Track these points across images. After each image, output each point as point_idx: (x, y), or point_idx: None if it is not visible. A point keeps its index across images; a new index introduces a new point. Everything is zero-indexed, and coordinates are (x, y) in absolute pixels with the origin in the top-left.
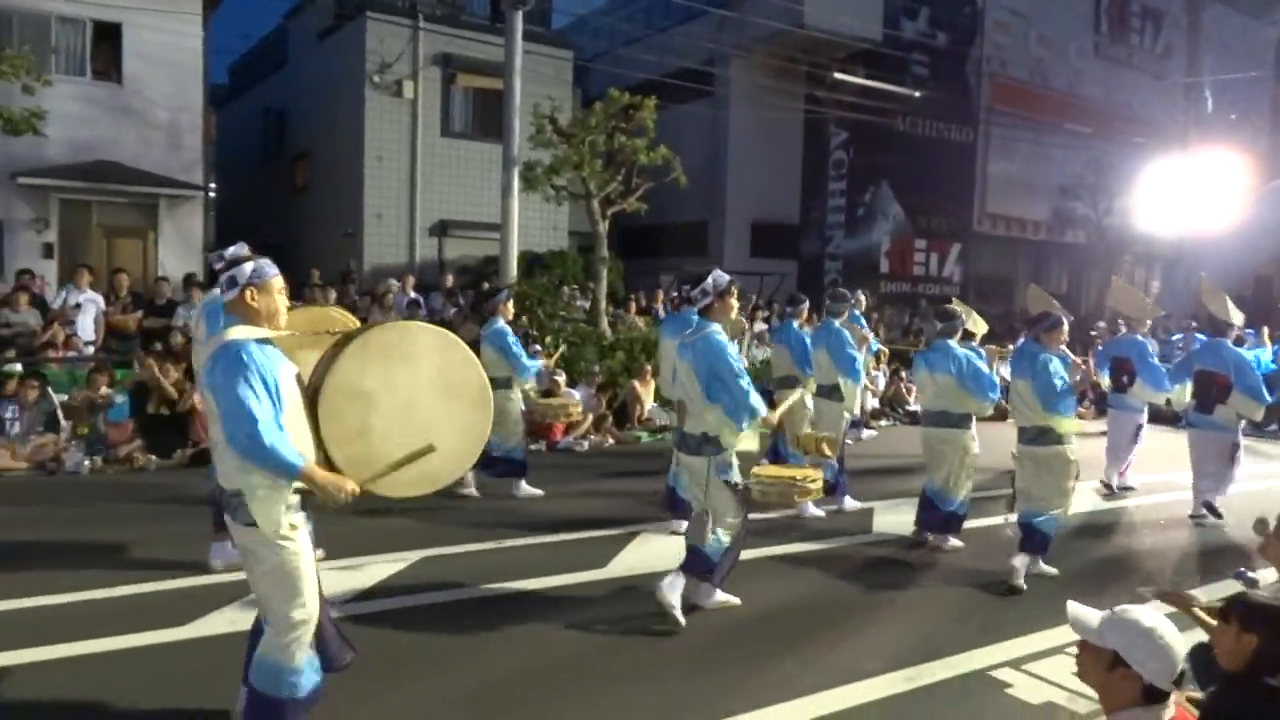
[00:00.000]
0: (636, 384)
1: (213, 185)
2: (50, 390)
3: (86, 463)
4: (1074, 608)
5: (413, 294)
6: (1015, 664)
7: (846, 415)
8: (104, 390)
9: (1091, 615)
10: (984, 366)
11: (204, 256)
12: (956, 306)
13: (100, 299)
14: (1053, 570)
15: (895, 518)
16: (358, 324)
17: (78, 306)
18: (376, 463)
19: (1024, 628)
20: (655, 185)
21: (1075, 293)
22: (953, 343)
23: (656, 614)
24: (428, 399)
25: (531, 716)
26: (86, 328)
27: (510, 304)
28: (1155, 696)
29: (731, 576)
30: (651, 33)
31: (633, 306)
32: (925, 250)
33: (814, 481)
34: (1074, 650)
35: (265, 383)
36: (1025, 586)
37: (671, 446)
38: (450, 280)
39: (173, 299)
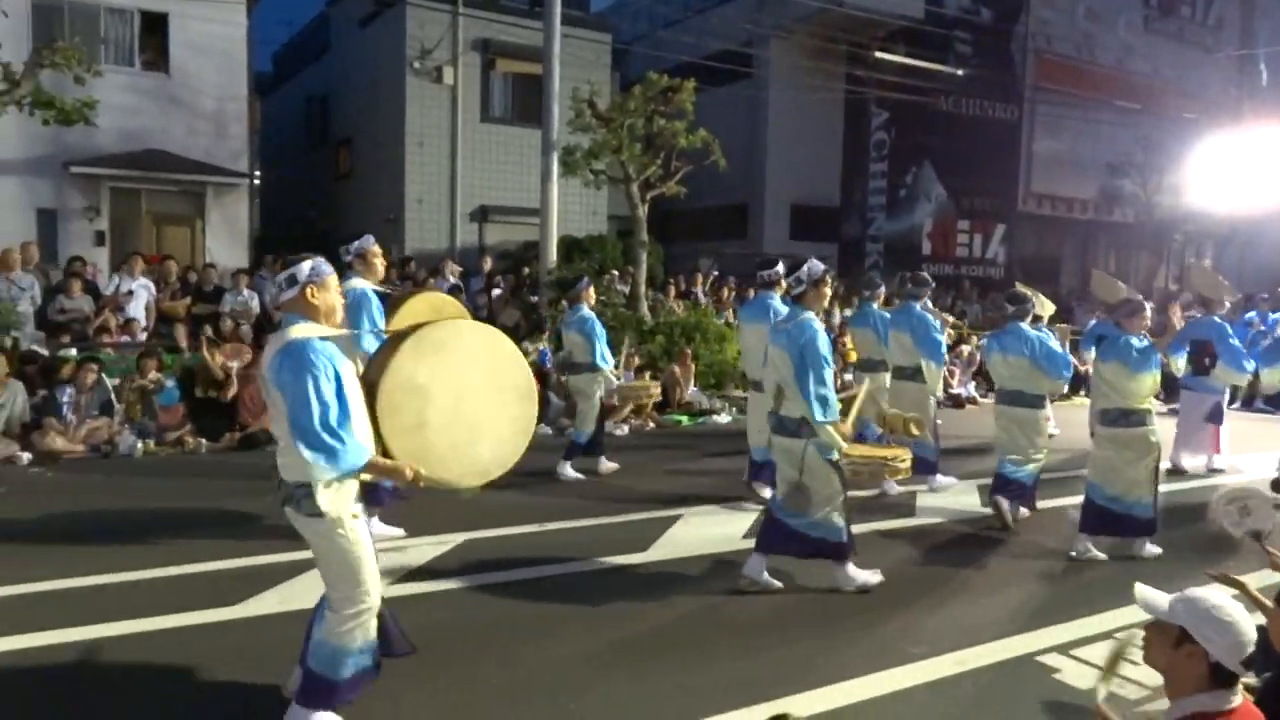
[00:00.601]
0: (676, 368)
1: (257, 172)
2: (104, 375)
3: (139, 445)
4: (1142, 588)
5: (453, 279)
6: (1063, 649)
7: (933, 397)
8: (153, 375)
9: (1160, 595)
10: (1057, 346)
11: (249, 242)
12: (1024, 290)
13: (151, 285)
14: (1155, 549)
15: (945, 499)
16: (466, 312)
17: (130, 293)
18: (430, 454)
19: (1072, 613)
20: (694, 168)
21: (1124, 273)
22: (1024, 325)
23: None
24: (478, 393)
25: (576, 698)
26: (138, 313)
27: (592, 290)
28: (1222, 679)
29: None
30: (690, 15)
31: (672, 290)
32: (968, 231)
33: (903, 461)
34: (1121, 636)
35: (330, 378)
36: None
37: (713, 427)
38: (489, 265)
39: (220, 285)
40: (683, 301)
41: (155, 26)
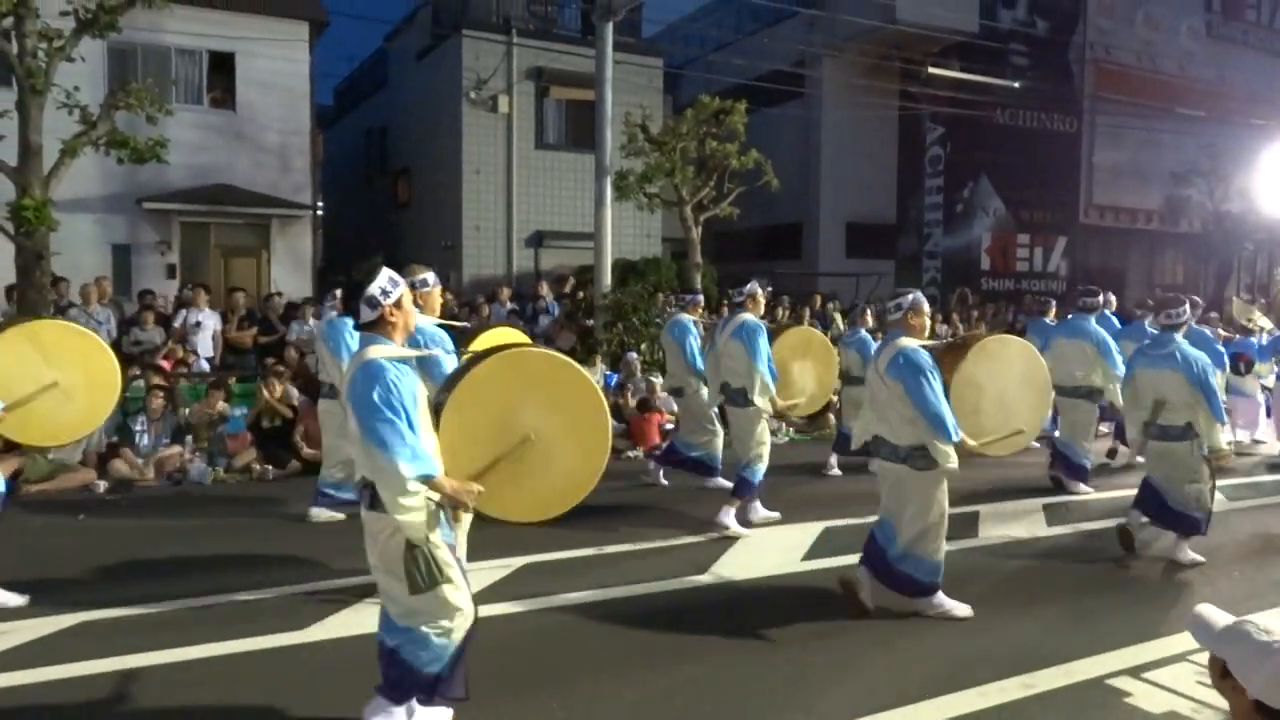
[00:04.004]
0: None
1: (320, 204)
2: (174, 403)
3: (209, 473)
4: (1200, 611)
5: (511, 305)
6: (1134, 672)
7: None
8: (220, 405)
9: (1217, 619)
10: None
11: (312, 272)
12: (1237, 305)
13: (218, 317)
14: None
15: (1008, 521)
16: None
17: (198, 324)
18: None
19: (1143, 634)
20: (747, 189)
21: (1191, 284)
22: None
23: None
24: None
25: None
26: (205, 345)
27: (869, 313)
28: (1270, 714)
29: (832, 575)
30: (741, 37)
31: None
32: (1029, 245)
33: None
34: (1195, 659)
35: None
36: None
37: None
38: (545, 289)
39: (285, 315)
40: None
41: (222, 65)
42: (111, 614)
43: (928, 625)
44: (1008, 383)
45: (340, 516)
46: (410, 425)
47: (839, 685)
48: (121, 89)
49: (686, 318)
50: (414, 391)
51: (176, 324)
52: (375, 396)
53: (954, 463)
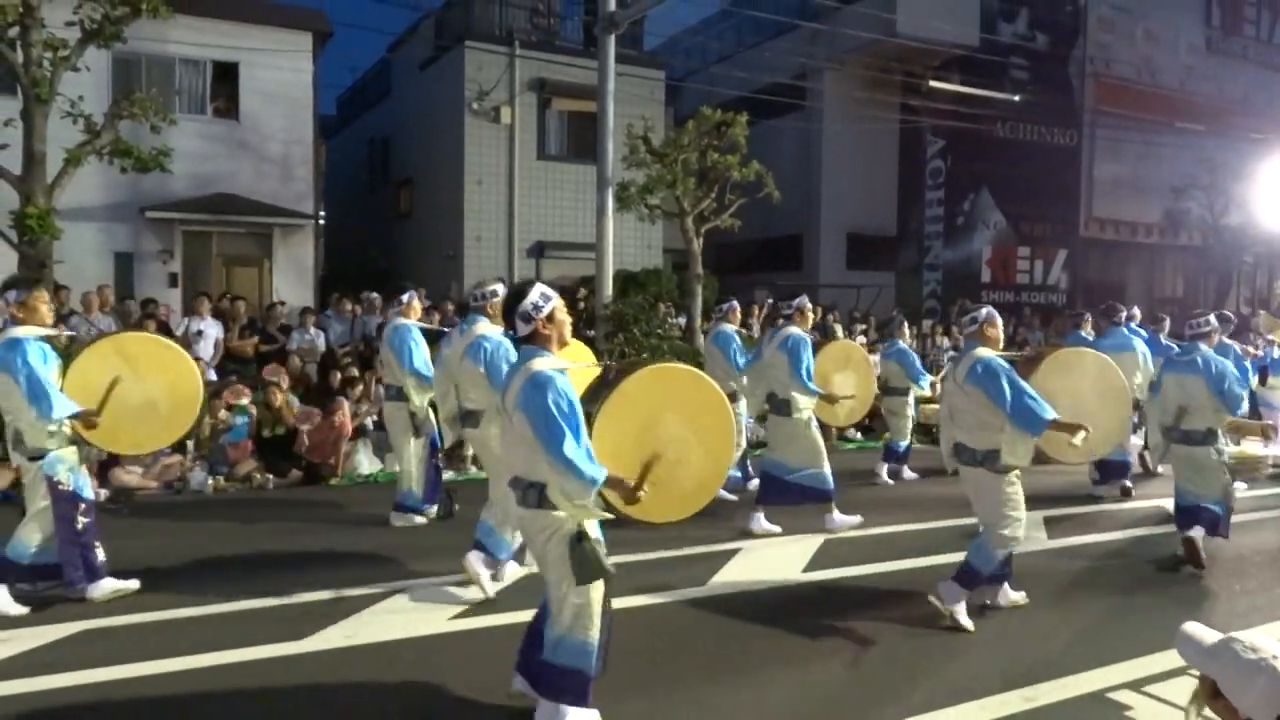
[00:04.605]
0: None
1: (322, 213)
2: None
3: (210, 481)
4: (1187, 630)
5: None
6: (1135, 685)
7: None
8: (222, 414)
9: (1204, 637)
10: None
11: (314, 281)
12: (1266, 319)
13: (219, 326)
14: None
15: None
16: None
17: (199, 333)
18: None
19: (1144, 647)
20: (748, 200)
21: (1192, 297)
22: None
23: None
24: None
25: None
26: (207, 353)
27: (907, 326)
28: None
29: (836, 592)
30: (742, 50)
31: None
32: (1029, 258)
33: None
34: (1197, 672)
35: (575, 405)
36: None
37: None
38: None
39: (287, 324)
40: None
41: (226, 75)
42: (106, 623)
43: (928, 638)
44: (1084, 394)
45: (421, 521)
46: (580, 432)
47: (837, 697)
48: (126, 98)
49: (729, 327)
50: (576, 400)
51: (179, 333)
52: (551, 404)
53: (1026, 459)
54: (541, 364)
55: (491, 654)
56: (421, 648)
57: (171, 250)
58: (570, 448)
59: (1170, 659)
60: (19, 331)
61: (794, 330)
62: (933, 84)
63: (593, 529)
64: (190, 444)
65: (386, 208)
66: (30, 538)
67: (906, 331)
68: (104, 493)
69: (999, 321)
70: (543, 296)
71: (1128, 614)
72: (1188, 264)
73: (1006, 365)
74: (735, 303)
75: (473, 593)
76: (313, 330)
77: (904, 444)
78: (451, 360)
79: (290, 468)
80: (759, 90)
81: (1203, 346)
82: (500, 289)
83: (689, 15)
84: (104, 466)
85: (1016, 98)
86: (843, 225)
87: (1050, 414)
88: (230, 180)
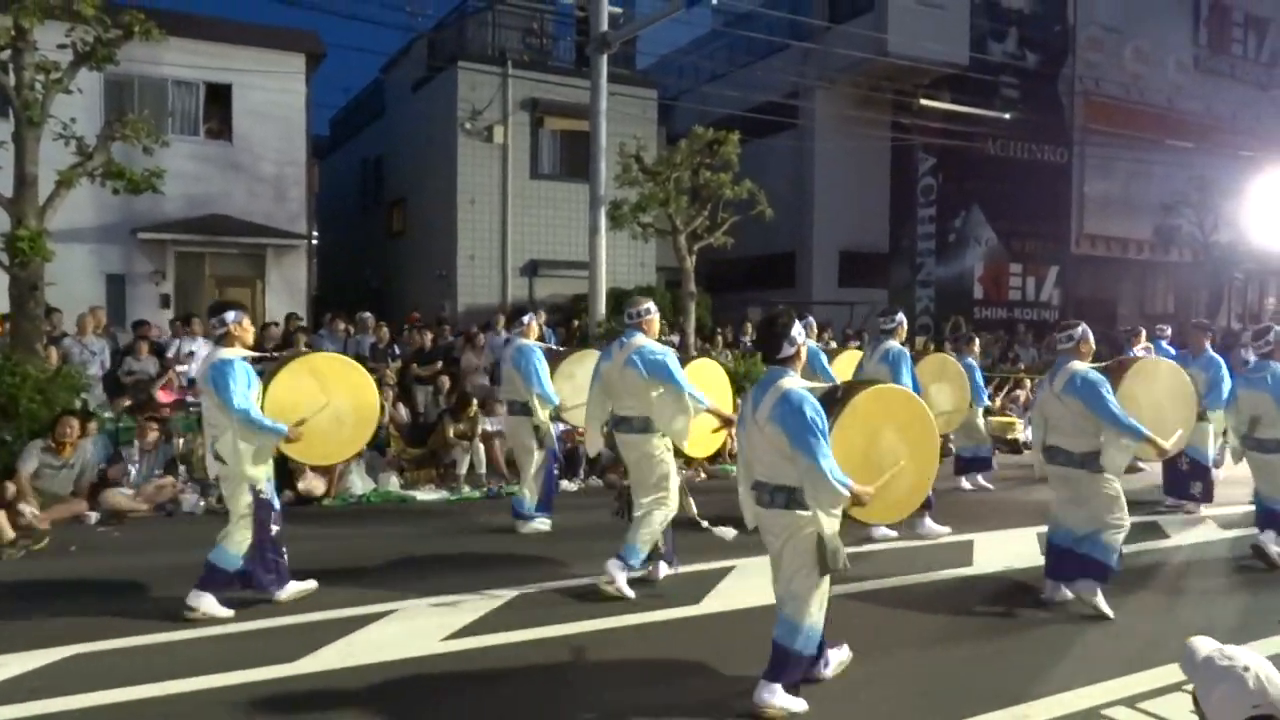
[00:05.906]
0: None
1: (315, 233)
2: (168, 434)
3: (201, 503)
4: (1194, 642)
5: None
6: (1129, 702)
7: None
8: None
9: (1201, 649)
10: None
11: (308, 301)
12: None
13: (211, 346)
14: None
15: (1003, 548)
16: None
17: (190, 353)
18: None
19: (1139, 663)
20: (741, 218)
21: (1184, 312)
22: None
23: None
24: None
25: None
26: (197, 373)
27: (977, 342)
28: None
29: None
30: (734, 69)
31: (720, 340)
32: (1021, 274)
33: None
34: (1190, 688)
35: (825, 422)
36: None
37: None
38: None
39: (279, 344)
40: (731, 350)
41: (219, 97)
42: (98, 647)
43: (923, 655)
44: (1160, 397)
45: (545, 527)
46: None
47: (826, 713)
48: (118, 120)
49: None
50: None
51: (170, 354)
52: (809, 418)
53: (1125, 463)
54: (790, 383)
55: (480, 672)
56: (415, 667)
57: (164, 271)
58: (828, 462)
59: (1163, 675)
60: (227, 352)
61: (893, 344)
62: (924, 102)
63: (831, 527)
64: (182, 466)
65: (380, 227)
66: (239, 545)
67: (976, 348)
68: (94, 515)
69: (1091, 339)
70: (801, 329)
71: (1121, 631)
72: (1179, 280)
73: (1104, 378)
74: (903, 316)
75: (463, 613)
76: (304, 350)
77: (984, 451)
78: (611, 372)
79: (283, 489)
80: (751, 109)
81: (1272, 364)
82: (653, 306)
83: (681, 35)
84: (94, 489)
85: (1007, 116)
86: (835, 243)
87: (1144, 431)
88: (223, 201)
